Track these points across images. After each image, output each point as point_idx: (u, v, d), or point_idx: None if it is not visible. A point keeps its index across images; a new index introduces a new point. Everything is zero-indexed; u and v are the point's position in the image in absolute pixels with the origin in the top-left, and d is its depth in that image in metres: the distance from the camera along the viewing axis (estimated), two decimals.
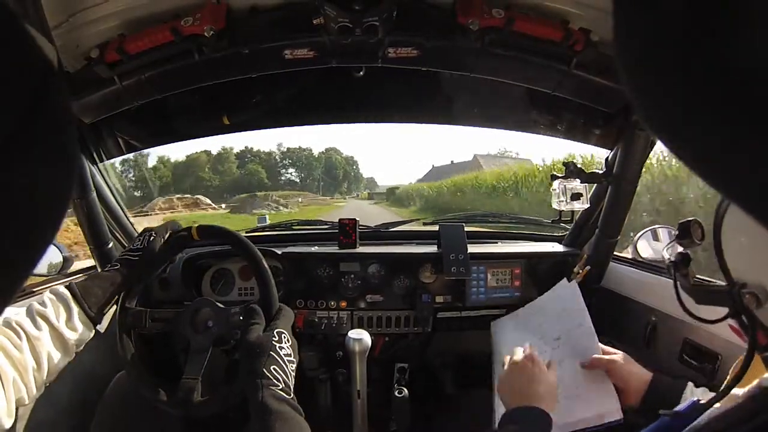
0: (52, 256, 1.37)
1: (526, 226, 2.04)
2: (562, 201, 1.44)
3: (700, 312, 0.59)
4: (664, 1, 0.21)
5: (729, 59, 0.19)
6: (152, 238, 1.18)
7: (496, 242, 1.81)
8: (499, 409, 1.05)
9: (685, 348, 1.17)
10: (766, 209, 0.23)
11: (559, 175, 1.43)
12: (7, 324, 0.89)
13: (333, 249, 1.62)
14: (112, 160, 1.58)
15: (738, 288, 0.46)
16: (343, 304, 1.55)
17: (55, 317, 0.94)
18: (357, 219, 1.65)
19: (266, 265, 1.14)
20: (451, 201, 22.78)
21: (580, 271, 1.48)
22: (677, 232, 0.66)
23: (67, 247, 1.43)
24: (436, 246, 1.58)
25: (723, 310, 0.50)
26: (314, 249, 1.64)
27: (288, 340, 0.96)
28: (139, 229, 1.28)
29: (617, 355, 1.02)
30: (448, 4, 1.11)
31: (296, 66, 1.22)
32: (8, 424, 0.81)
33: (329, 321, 1.54)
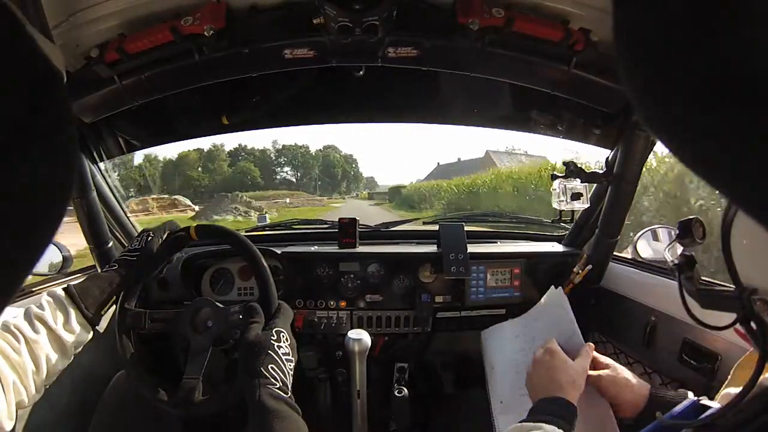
0: (51, 255, 1.37)
1: (526, 225, 2.04)
2: (562, 201, 1.44)
3: (704, 315, 0.58)
4: (665, 1, 0.21)
5: (729, 59, 0.19)
6: (150, 238, 1.18)
7: (496, 242, 1.81)
8: (498, 416, 1.05)
9: (685, 348, 1.17)
10: (766, 211, 0.23)
11: (560, 174, 1.43)
12: (6, 328, 0.89)
13: (333, 248, 1.62)
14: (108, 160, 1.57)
15: (748, 294, 0.44)
16: (343, 303, 1.55)
17: (53, 320, 0.95)
18: (357, 218, 1.65)
19: (265, 264, 1.14)
20: (477, 202, 19.27)
21: (580, 271, 1.49)
22: (678, 231, 0.65)
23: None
24: (435, 246, 1.58)
25: (729, 315, 0.48)
26: (314, 248, 1.64)
27: (287, 339, 0.96)
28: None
29: (606, 370, 0.97)
30: (448, 3, 1.11)
31: (296, 65, 1.22)
32: (9, 427, 0.81)
33: (329, 321, 1.54)
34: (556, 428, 0.74)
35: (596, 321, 1.55)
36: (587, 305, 1.54)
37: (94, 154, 1.47)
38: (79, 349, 1.01)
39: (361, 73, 1.30)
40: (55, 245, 1.37)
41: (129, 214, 1.66)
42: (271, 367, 0.87)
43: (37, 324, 0.93)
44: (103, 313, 1.06)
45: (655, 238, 1.43)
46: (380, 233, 1.87)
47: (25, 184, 0.25)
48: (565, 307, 1.16)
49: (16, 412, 0.84)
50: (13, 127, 0.23)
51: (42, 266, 1.33)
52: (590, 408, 0.94)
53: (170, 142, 1.70)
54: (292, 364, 0.94)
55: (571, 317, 1.13)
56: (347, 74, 1.31)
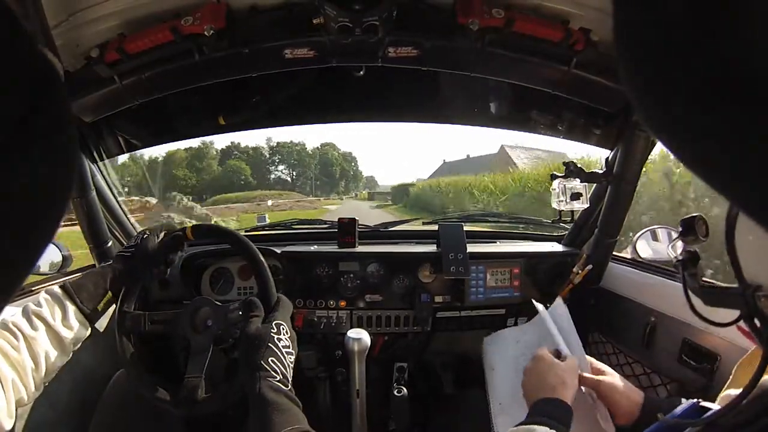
0: (51, 254, 1.37)
1: (526, 225, 2.04)
2: (562, 201, 1.44)
3: (707, 313, 0.58)
4: (665, 2, 0.21)
5: (729, 59, 0.19)
6: (146, 236, 1.19)
7: (496, 242, 1.81)
8: (497, 417, 1.06)
9: (684, 348, 1.17)
10: (766, 211, 0.23)
11: (559, 174, 1.43)
12: (4, 326, 0.90)
13: (332, 248, 1.62)
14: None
15: (752, 290, 0.44)
16: (343, 303, 1.55)
17: (51, 316, 0.96)
18: (356, 218, 1.65)
19: (263, 259, 1.15)
20: (519, 204, 13.04)
21: (580, 271, 1.49)
22: (680, 229, 0.65)
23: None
24: (435, 245, 1.58)
25: (732, 312, 0.48)
26: (313, 248, 1.64)
27: (287, 331, 0.96)
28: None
29: (606, 375, 0.97)
30: (448, 4, 1.11)
31: (296, 65, 1.22)
32: (9, 425, 0.82)
33: (328, 320, 1.54)
34: (548, 428, 0.75)
35: (596, 321, 1.55)
36: (587, 305, 1.54)
37: (94, 153, 1.47)
38: (78, 345, 1.01)
39: (361, 73, 1.30)
40: (54, 245, 1.37)
41: (129, 214, 1.66)
42: (272, 360, 0.88)
43: (35, 321, 0.93)
44: (100, 309, 1.06)
45: (655, 238, 1.43)
46: (380, 233, 1.87)
47: (25, 184, 0.25)
48: (567, 319, 1.17)
49: (17, 410, 0.85)
50: (13, 127, 0.23)
51: (42, 266, 1.34)
52: (590, 412, 0.94)
53: (170, 141, 1.71)
54: (293, 357, 0.94)
55: (573, 328, 1.14)
56: (347, 74, 1.31)
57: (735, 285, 0.47)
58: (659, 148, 1.46)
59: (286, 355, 0.91)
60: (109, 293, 1.10)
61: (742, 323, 0.47)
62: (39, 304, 0.97)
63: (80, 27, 1.09)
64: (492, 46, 1.14)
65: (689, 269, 0.60)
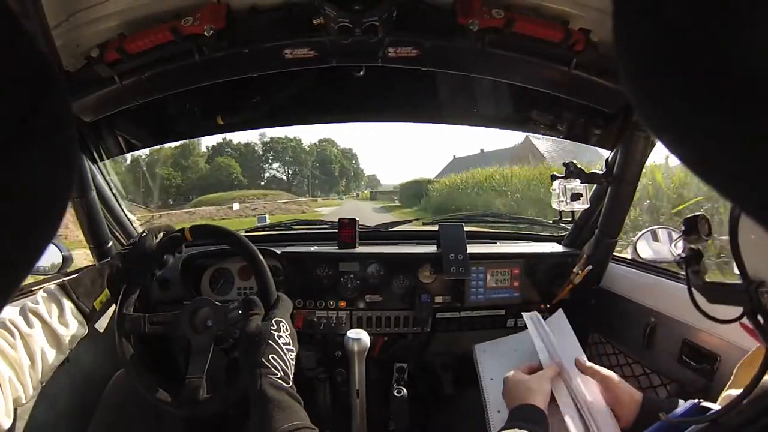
0: (51, 254, 1.37)
1: (526, 226, 2.04)
2: (562, 201, 1.44)
3: (708, 311, 0.58)
4: (665, 3, 0.21)
5: (729, 60, 0.19)
6: (144, 235, 1.20)
7: (496, 242, 1.81)
8: (496, 425, 1.06)
9: (684, 349, 1.17)
10: (765, 211, 0.23)
11: (559, 175, 1.43)
12: (2, 324, 0.89)
13: (332, 249, 1.62)
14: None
15: (756, 286, 0.44)
16: (343, 303, 1.55)
17: (47, 313, 0.95)
18: (357, 219, 1.65)
19: (261, 258, 1.16)
20: None
21: (580, 272, 1.49)
22: (683, 228, 0.64)
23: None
24: (435, 246, 1.58)
25: (735, 310, 0.48)
26: (314, 249, 1.64)
27: (287, 328, 0.97)
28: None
29: (604, 375, 0.97)
30: (448, 4, 1.11)
31: (296, 66, 1.22)
32: (7, 425, 0.81)
33: (328, 321, 1.54)
34: (523, 431, 0.78)
35: (596, 322, 1.55)
36: (587, 306, 1.54)
37: (94, 153, 1.47)
38: (75, 343, 1.01)
39: (361, 73, 1.30)
40: (54, 245, 1.37)
41: (129, 214, 1.66)
42: (272, 357, 0.88)
43: (32, 318, 0.93)
44: (98, 306, 1.06)
45: (655, 238, 1.43)
46: (380, 233, 1.87)
47: (25, 184, 0.25)
48: (567, 328, 1.17)
49: (16, 410, 0.85)
50: (13, 127, 0.23)
51: (42, 266, 1.34)
52: (593, 412, 0.93)
53: (170, 141, 1.71)
54: (294, 354, 0.94)
55: (574, 337, 1.14)
56: (347, 74, 1.31)
57: (738, 282, 0.47)
58: (659, 149, 1.46)
59: (286, 352, 0.91)
60: (107, 290, 1.10)
61: (745, 320, 0.47)
62: (36, 302, 0.97)
63: (80, 27, 1.09)
64: (492, 46, 1.14)
65: (692, 267, 0.61)
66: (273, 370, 0.86)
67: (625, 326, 1.41)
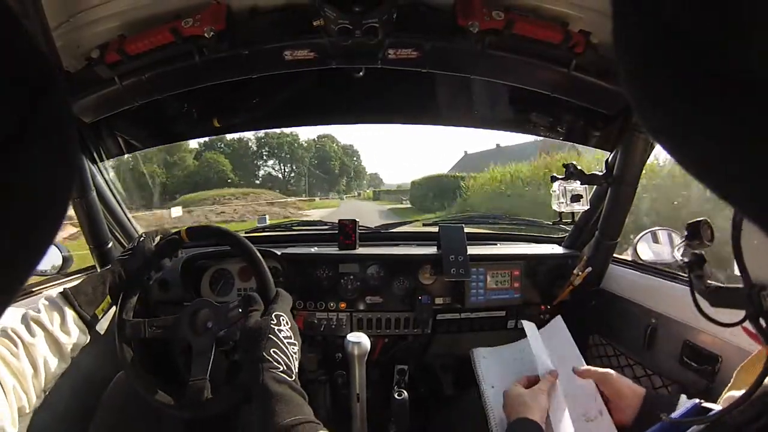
0: (52, 256, 1.37)
1: (526, 227, 2.04)
2: (562, 203, 1.44)
3: (717, 313, 0.58)
4: (664, 4, 0.21)
5: (729, 63, 0.19)
6: (142, 239, 1.22)
7: (496, 244, 1.81)
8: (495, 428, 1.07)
9: (685, 350, 1.17)
10: (764, 213, 0.23)
11: (559, 176, 1.43)
12: (4, 333, 0.90)
13: (332, 250, 1.62)
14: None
15: (758, 290, 0.45)
16: (343, 305, 1.54)
17: (49, 322, 0.96)
18: (357, 220, 1.65)
19: (259, 255, 1.16)
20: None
21: (580, 273, 1.49)
22: (686, 233, 0.65)
23: None
24: (435, 247, 1.58)
25: (737, 313, 0.49)
26: (314, 250, 1.64)
27: (287, 322, 0.96)
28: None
29: (606, 374, 1.00)
30: (447, 5, 1.11)
31: (296, 67, 1.22)
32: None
33: (329, 322, 1.54)
34: None
35: (596, 323, 1.55)
36: (587, 307, 1.54)
37: (94, 154, 1.47)
38: (77, 352, 1.02)
39: (360, 74, 1.30)
40: (55, 246, 1.37)
41: (129, 215, 1.66)
42: (273, 351, 0.87)
43: (34, 327, 0.94)
44: (99, 314, 1.07)
45: (655, 240, 1.43)
46: (380, 235, 1.87)
47: (25, 184, 0.25)
48: (565, 335, 1.18)
49: (19, 418, 0.85)
50: (14, 126, 0.23)
51: (42, 267, 1.34)
52: (585, 409, 0.97)
53: (170, 142, 1.71)
54: (296, 348, 0.93)
55: (573, 344, 1.15)
56: (347, 75, 1.31)
57: (740, 285, 0.47)
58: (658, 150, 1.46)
59: (288, 346, 0.91)
60: (108, 298, 1.10)
61: (747, 324, 0.47)
62: (38, 310, 0.98)
63: (81, 28, 1.09)
64: (492, 48, 1.14)
65: (696, 271, 0.61)
66: (275, 364, 0.85)
67: (626, 327, 1.41)
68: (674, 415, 0.62)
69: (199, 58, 1.15)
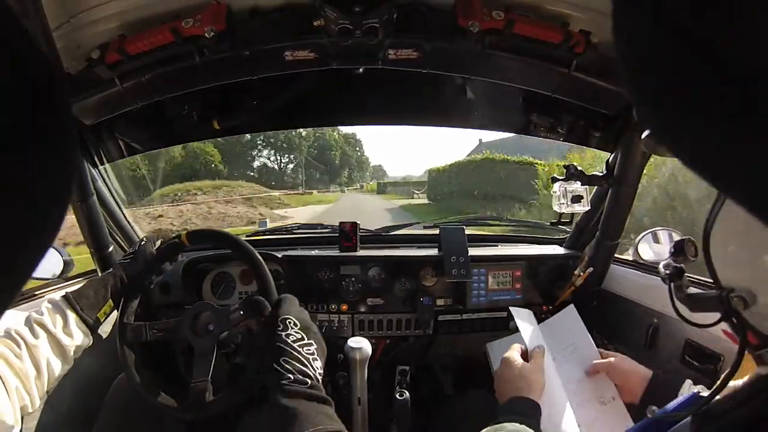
0: (52, 259, 1.37)
1: (527, 229, 2.04)
2: (563, 203, 1.44)
3: (697, 318, 0.62)
4: (664, 4, 0.21)
5: (729, 62, 0.20)
6: (143, 243, 1.23)
7: (497, 245, 1.81)
8: None
9: (687, 349, 1.17)
10: (764, 206, 0.23)
11: (560, 177, 1.43)
12: (7, 334, 0.91)
13: (333, 252, 1.62)
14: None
15: (726, 293, 0.49)
16: (344, 307, 1.54)
17: (52, 324, 0.98)
18: (357, 222, 1.65)
19: (260, 258, 1.16)
20: None
21: (581, 274, 1.48)
22: (672, 250, 0.70)
23: None
24: (436, 249, 1.58)
25: (716, 315, 0.53)
26: (315, 252, 1.63)
27: (295, 323, 0.91)
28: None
29: (615, 357, 1.05)
30: (448, 6, 1.11)
31: (297, 68, 1.22)
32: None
33: (330, 324, 1.54)
34: (517, 424, 0.78)
35: (597, 323, 1.54)
36: (589, 308, 1.53)
37: (95, 157, 1.47)
38: (80, 354, 1.04)
39: (360, 70, 1.30)
40: (55, 249, 1.37)
41: (130, 219, 1.66)
42: (283, 360, 0.83)
43: (37, 329, 0.96)
44: (101, 317, 1.08)
45: (656, 240, 1.43)
46: (381, 237, 1.87)
47: (25, 185, 0.24)
48: (578, 323, 1.18)
49: (22, 418, 0.86)
50: (13, 128, 0.23)
51: (43, 270, 1.33)
52: (600, 393, 1.02)
53: (171, 145, 1.71)
54: (312, 346, 0.89)
55: (585, 331, 1.16)
56: (347, 76, 1.31)
57: (713, 291, 0.52)
58: None
59: (301, 348, 0.86)
60: (110, 302, 1.11)
61: (724, 325, 0.52)
62: (40, 313, 0.99)
63: (81, 29, 1.09)
64: (492, 48, 1.14)
65: (676, 282, 0.67)
66: (285, 374, 0.81)
67: (628, 327, 1.41)
68: (672, 404, 0.65)
69: (200, 59, 1.15)
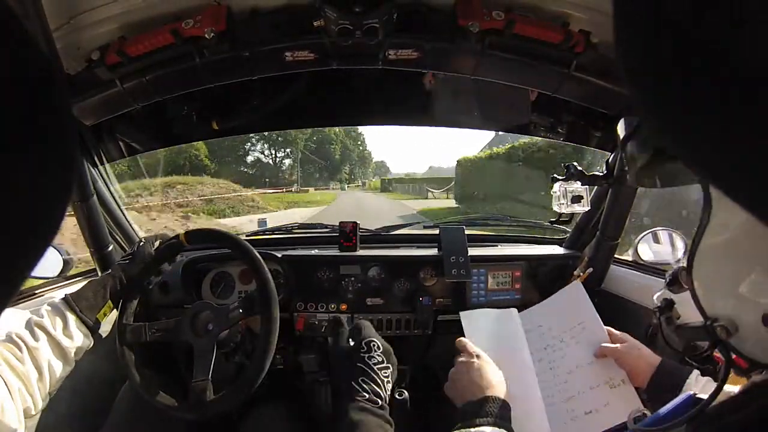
0: (51, 258, 1.37)
1: (527, 229, 2.04)
2: (563, 203, 1.44)
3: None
4: (664, 3, 0.21)
5: (729, 61, 0.20)
6: (142, 244, 1.24)
7: (497, 245, 1.81)
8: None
9: (687, 350, 1.17)
10: (764, 206, 0.23)
11: (560, 177, 1.43)
12: (9, 338, 0.92)
13: (333, 252, 1.62)
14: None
15: (711, 322, 0.51)
16: (344, 307, 1.54)
17: (52, 326, 0.99)
18: (357, 222, 1.65)
19: (259, 257, 1.16)
20: None
21: (581, 274, 1.48)
22: (667, 281, 0.70)
23: None
24: (436, 249, 1.58)
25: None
26: (314, 252, 1.63)
27: (378, 347, 0.94)
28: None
29: (625, 343, 1.09)
30: (448, 6, 1.11)
31: (297, 68, 1.22)
32: None
33: (330, 324, 1.54)
34: (497, 428, 0.80)
35: None
36: None
37: (95, 157, 1.47)
38: (80, 355, 1.05)
39: (360, 71, 1.30)
40: (54, 248, 1.37)
41: (130, 219, 1.66)
42: (361, 380, 0.87)
43: (37, 331, 0.97)
44: (101, 318, 1.09)
45: (656, 240, 1.43)
46: (381, 236, 1.87)
47: (25, 186, 0.24)
48: (585, 300, 1.20)
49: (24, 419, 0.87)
50: (14, 127, 0.23)
51: (42, 269, 1.33)
52: (610, 376, 1.06)
53: (171, 145, 1.71)
54: (389, 371, 0.92)
55: (593, 309, 1.21)
56: (347, 77, 1.31)
57: (700, 322, 0.54)
58: None
59: (379, 371, 0.90)
60: (110, 302, 1.12)
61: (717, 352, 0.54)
62: (40, 315, 1.00)
63: (81, 30, 1.09)
64: (492, 48, 1.14)
65: (666, 314, 0.70)
66: (361, 392, 0.85)
67: (628, 328, 1.40)
68: (666, 408, 0.67)
69: (200, 60, 1.15)
